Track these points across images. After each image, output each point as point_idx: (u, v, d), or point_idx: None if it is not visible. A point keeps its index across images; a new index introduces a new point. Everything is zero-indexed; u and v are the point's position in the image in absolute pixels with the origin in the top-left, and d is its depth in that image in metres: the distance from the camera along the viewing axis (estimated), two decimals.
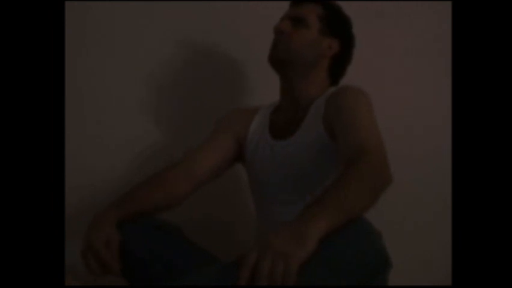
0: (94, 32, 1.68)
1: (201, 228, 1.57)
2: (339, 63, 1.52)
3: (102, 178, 1.66)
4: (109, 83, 1.70)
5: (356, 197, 1.07)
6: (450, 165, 1.07)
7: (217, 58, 1.78)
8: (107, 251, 1.21)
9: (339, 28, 1.51)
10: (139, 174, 1.68)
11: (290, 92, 1.48)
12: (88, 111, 1.66)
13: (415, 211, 1.84)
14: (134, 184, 1.39)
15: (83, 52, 1.66)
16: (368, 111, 1.33)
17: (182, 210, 1.47)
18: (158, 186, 1.40)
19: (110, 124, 1.68)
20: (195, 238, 1.38)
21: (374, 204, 1.12)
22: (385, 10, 1.91)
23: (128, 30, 1.70)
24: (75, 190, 1.56)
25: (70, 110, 1.38)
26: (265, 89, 1.61)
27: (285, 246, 0.96)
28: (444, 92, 1.69)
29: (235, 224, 1.75)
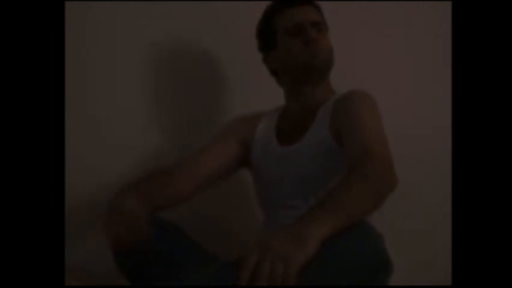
0: (94, 32, 1.68)
1: (203, 228, 1.57)
2: None
3: (102, 178, 1.66)
4: (109, 83, 1.69)
5: (360, 200, 1.07)
6: (450, 166, 1.07)
7: (218, 58, 1.77)
8: (139, 214, 1.20)
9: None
10: (139, 174, 1.68)
11: (300, 97, 1.49)
12: (88, 112, 1.66)
13: (415, 212, 1.84)
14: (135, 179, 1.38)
15: (83, 52, 1.66)
16: (373, 115, 1.33)
17: (184, 211, 1.47)
18: (163, 183, 1.38)
19: (111, 124, 1.68)
20: (197, 238, 1.38)
21: (378, 207, 1.12)
22: (385, 11, 1.91)
23: (128, 30, 1.70)
24: (75, 190, 1.56)
25: (70, 109, 1.38)
26: (266, 90, 1.61)
27: (285, 248, 0.96)
28: (445, 92, 1.69)
29: (237, 225, 1.75)
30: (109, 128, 1.67)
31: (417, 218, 1.84)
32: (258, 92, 1.74)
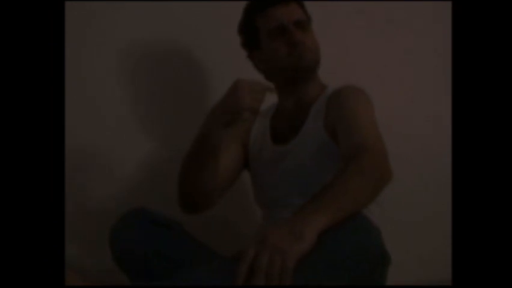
0: (94, 32, 1.68)
1: (204, 226, 1.57)
2: None
3: (102, 180, 1.66)
4: (109, 82, 1.70)
5: (355, 192, 1.07)
6: (450, 163, 1.07)
7: (207, 58, 1.77)
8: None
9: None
10: (137, 173, 1.69)
11: (292, 94, 1.48)
12: (88, 110, 1.66)
13: (415, 209, 1.84)
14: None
15: (83, 52, 1.66)
16: (368, 109, 1.33)
17: None
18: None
19: (109, 125, 1.68)
20: (199, 237, 1.38)
21: (373, 200, 1.12)
22: (385, 10, 1.91)
23: (118, 31, 1.70)
24: (74, 191, 1.56)
25: (70, 108, 1.38)
26: None
27: (282, 241, 0.96)
28: (444, 92, 1.69)
29: (238, 223, 1.75)
30: (103, 130, 1.67)
31: (416, 215, 1.84)
32: None
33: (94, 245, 1.60)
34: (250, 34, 1.50)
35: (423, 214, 1.84)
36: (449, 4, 1.18)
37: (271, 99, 1.54)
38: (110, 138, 1.68)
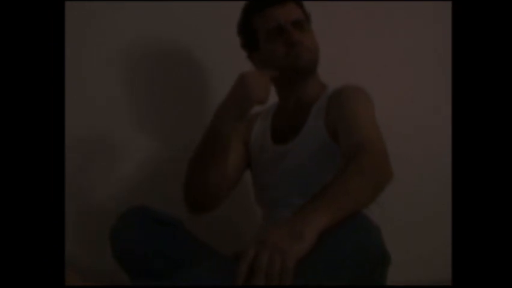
0: (94, 32, 1.68)
1: (205, 225, 1.57)
2: None
3: (101, 181, 1.66)
4: (109, 82, 1.70)
5: (356, 192, 1.07)
6: (450, 163, 1.07)
7: (205, 58, 1.77)
8: None
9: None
10: (137, 173, 1.69)
11: (292, 94, 1.48)
12: (88, 110, 1.66)
13: (415, 209, 1.84)
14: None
15: (83, 52, 1.66)
16: (368, 109, 1.33)
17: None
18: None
19: (109, 125, 1.68)
20: (200, 236, 1.38)
21: (374, 200, 1.12)
22: (385, 10, 1.91)
23: (116, 31, 1.70)
24: (73, 191, 1.56)
25: (70, 108, 1.38)
26: None
27: (282, 241, 0.96)
28: (445, 92, 1.69)
29: (239, 222, 1.75)
30: (103, 130, 1.67)
31: (416, 214, 1.84)
32: None
33: (94, 245, 1.60)
34: (249, 35, 1.50)
35: (423, 214, 1.84)
36: (449, 4, 1.18)
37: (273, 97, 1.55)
38: (110, 138, 1.68)
